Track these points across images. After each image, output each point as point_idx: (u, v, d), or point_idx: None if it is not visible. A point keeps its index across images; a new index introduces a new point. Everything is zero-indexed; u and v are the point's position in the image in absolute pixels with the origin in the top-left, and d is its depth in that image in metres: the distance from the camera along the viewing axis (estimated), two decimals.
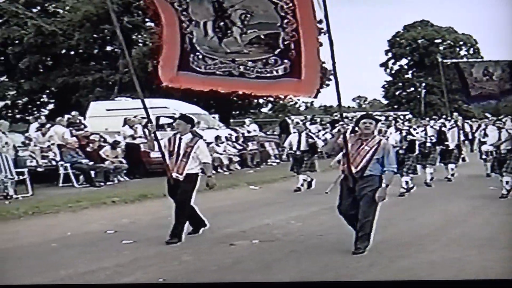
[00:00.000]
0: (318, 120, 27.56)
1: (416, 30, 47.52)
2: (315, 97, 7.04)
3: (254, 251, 7.15)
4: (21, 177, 12.44)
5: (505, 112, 23.51)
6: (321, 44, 6.63)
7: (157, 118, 19.80)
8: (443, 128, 14.52)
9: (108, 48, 33.73)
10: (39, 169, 13.75)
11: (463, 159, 15.98)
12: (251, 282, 5.72)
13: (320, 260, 6.48)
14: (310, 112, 36.43)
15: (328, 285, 5.62)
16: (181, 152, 7.62)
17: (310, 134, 13.84)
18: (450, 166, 14.41)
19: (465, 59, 29.84)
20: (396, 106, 47.17)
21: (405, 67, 49.32)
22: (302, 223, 8.89)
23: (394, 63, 49.46)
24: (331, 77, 31.26)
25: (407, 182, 11.97)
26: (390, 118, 23.35)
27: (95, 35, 31.67)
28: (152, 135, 7.88)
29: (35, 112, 32.33)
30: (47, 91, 34.72)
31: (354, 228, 6.76)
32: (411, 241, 7.49)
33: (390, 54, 48.87)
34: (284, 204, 11.12)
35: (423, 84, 44.54)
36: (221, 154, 17.92)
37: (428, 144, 13.55)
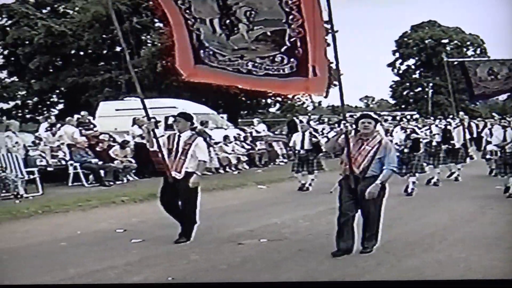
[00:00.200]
0: (326, 120, 27.53)
1: (424, 30, 47.47)
2: (326, 96, 7.04)
3: (262, 250, 7.15)
4: (31, 177, 12.52)
5: None
6: (328, 44, 6.61)
7: (166, 118, 19.90)
8: (449, 127, 14.40)
9: (117, 49, 33.85)
10: (49, 169, 13.79)
11: (471, 157, 15.90)
12: (259, 282, 5.72)
13: (328, 259, 6.48)
14: (318, 112, 36.37)
15: (336, 285, 5.64)
16: (180, 150, 7.51)
17: (313, 133, 13.71)
18: (457, 166, 14.33)
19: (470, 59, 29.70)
20: (403, 106, 47.15)
21: (413, 67, 49.36)
22: (310, 222, 8.90)
23: (401, 63, 49.55)
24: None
25: (414, 183, 11.88)
26: (398, 118, 23.26)
27: (104, 36, 31.80)
28: (151, 132, 7.69)
29: (45, 112, 32.56)
30: (57, 91, 34.92)
31: (352, 229, 6.65)
32: (418, 240, 7.49)
33: (397, 54, 48.94)
34: (292, 204, 11.14)
35: (431, 84, 44.47)
36: (229, 153, 17.96)
37: (434, 143, 13.50)
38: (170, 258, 6.76)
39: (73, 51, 32.47)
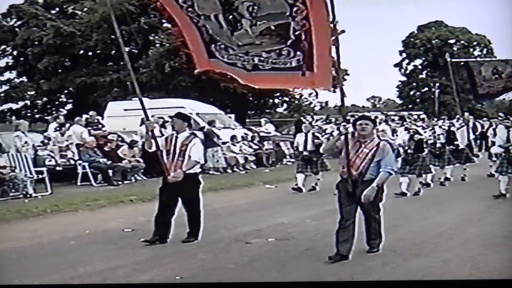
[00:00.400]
0: (333, 119, 27.52)
1: (430, 30, 47.41)
2: (334, 91, 6.97)
3: (270, 250, 7.17)
4: (40, 176, 12.60)
5: None
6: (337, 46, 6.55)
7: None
8: (452, 128, 14.31)
9: (126, 49, 33.98)
10: (58, 168, 13.89)
11: (476, 155, 15.83)
12: (267, 282, 5.73)
13: None
14: (325, 112, 36.37)
15: (343, 285, 5.65)
16: (177, 151, 7.43)
17: (316, 134, 13.61)
18: (464, 166, 14.24)
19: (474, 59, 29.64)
20: (410, 106, 47.13)
21: (419, 67, 49.35)
22: (317, 221, 8.90)
23: (408, 63, 49.60)
24: (346, 77, 31.37)
25: (421, 182, 11.91)
26: (405, 117, 23.22)
27: (112, 36, 31.87)
28: (150, 133, 7.61)
29: (54, 112, 32.65)
30: (66, 91, 35.08)
31: (352, 234, 6.49)
32: (426, 240, 7.49)
33: (404, 55, 48.98)
34: (299, 203, 11.15)
35: (437, 84, 44.35)
36: (237, 153, 18.00)
37: (438, 145, 13.40)
38: (178, 257, 6.79)
39: (81, 52, 32.65)
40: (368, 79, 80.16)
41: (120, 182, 13.94)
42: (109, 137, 15.47)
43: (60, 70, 33.26)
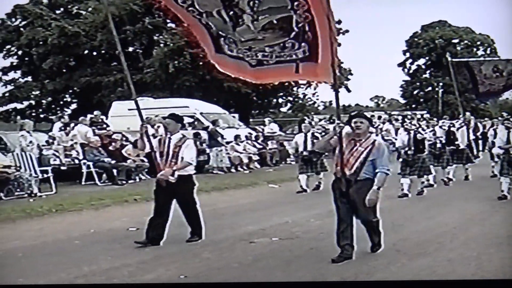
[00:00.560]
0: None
1: (434, 30, 47.48)
2: (330, 82, 6.83)
3: (274, 249, 7.17)
4: (45, 175, 12.68)
5: None
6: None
7: None
8: (452, 128, 14.17)
9: (130, 49, 34.04)
10: (62, 168, 13.96)
11: (477, 156, 15.77)
12: (273, 282, 5.73)
13: None
14: (328, 112, 36.38)
15: (346, 285, 5.65)
16: (170, 152, 7.34)
17: (316, 134, 13.47)
18: (465, 166, 14.17)
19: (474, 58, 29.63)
20: (414, 106, 47.15)
21: (423, 67, 49.44)
22: (321, 221, 8.87)
23: (412, 63, 49.69)
24: (350, 76, 31.07)
25: (422, 183, 11.76)
26: (407, 117, 23.18)
27: None
28: (144, 135, 7.54)
29: (59, 112, 32.71)
30: (70, 91, 35.18)
31: (351, 235, 6.39)
32: (430, 239, 7.48)
33: (408, 54, 49.06)
34: (303, 202, 11.16)
35: (441, 84, 44.33)
36: (241, 153, 18.02)
37: (438, 145, 13.29)
38: (182, 256, 6.80)
39: (86, 52, 32.73)
40: (372, 78, 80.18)
41: (124, 182, 13.98)
42: (114, 136, 15.51)
43: (64, 70, 33.37)
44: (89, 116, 16.27)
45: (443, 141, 13.57)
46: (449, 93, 43.41)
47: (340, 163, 6.33)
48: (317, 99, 37.05)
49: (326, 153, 12.62)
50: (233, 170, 17.31)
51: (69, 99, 36.83)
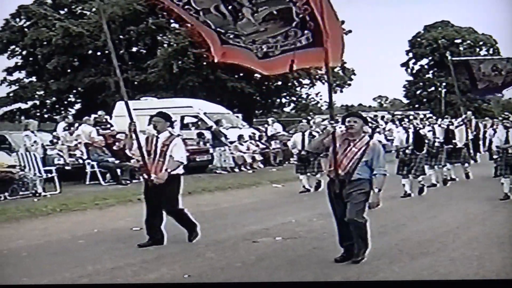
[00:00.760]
0: (340, 119, 27.49)
1: (437, 30, 47.46)
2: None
3: (277, 248, 7.19)
4: (49, 175, 12.72)
5: None
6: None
7: (182, 118, 20.07)
8: (451, 127, 14.05)
9: (134, 49, 34.14)
10: (66, 167, 14.01)
11: (475, 160, 15.75)
12: (276, 282, 5.73)
13: None
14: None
15: (349, 285, 5.65)
16: (158, 151, 7.21)
17: (313, 133, 13.50)
18: (463, 166, 14.10)
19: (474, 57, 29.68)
20: (417, 106, 47.16)
21: (426, 67, 49.48)
22: (324, 220, 8.85)
23: (415, 63, 49.73)
24: (353, 76, 30.97)
25: (420, 182, 11.61)
26: (411, 117, 23.12)
27: (121, 36, 32.08)
28: (133, 134, 7.37)
29: (63, 112, 32.89)
30: (74, 91, 35.31)
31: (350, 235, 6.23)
32: (432, 238, 7.49)
33: (411, 54, 49.07)
34: (306, 202, 11.17)
35: (443, 84, 44.31)
36: (244, 152, 18.05)
37: (436, 144, 13.15)
38: (186, 255, 6.81)
39: (90, 52, 32.86)
40: (375, 78, 79.97)
41: (128, 181, 14.01)
42: (118, 136, 15.54)
43: (68, 70, 33.49)
44: (93, 116, 16.34)
45: (441, 140, 13.43)
46: (452, 93, 43.34)
47: (333, 163, 6.16)
48: (320, 99, 37.05)
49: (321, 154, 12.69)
50: (236, 170, 17.34)
51: (73, 99, 36.96)
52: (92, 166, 14.09)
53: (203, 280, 5.87)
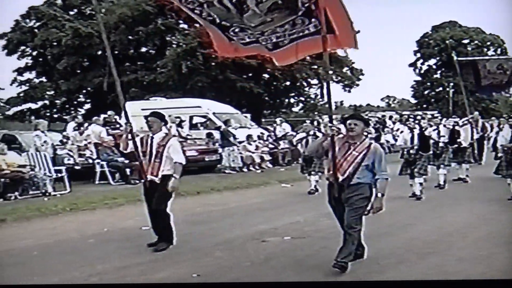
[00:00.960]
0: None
1: (444, 30, 47.44)
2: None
3: (285, 248, 7.21)
4: (59, 175, 12.81)
5: None
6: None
7: (191, 118, 20.14)
8: (456, 127, 13.94)
9: (143, 49, 34.25)
10: (76, 167, 14.06)
11: (479, 162, 15.67)
12: (284, 282, 5.74)
13: None
14: (340, 112, 36.36)
15: (357, 285, 5.66)
16: (154, 152, 7.06)
17: (317, 134, 13.44)
18: (464, 166, 14.01)
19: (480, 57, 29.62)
20: (425, 106, 47.09)
21: (434, 67, 49.37)
22: (332, 220, 8.81)
23: (422, 63, 49.67)
24: (361, 76, 30.89)
25: (421, 184, 11.28)
26: (418, 117, 23.07)
27: (130, 37, 32.22)
28: (129, 135, 7.24)
29: (73, 112, 33.07)
30: (84, 91, 35.50)
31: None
32: (439, 238, 7.50)
33: (419, 55, 49.04)
34: (314, 201, 11.14)
35: (451, 84, 44.15)
36: (252, 152, 18.08)
37: (440, 144, 13.05)
38: (194, 255, 6.84)
39: (99, 52, 32.98)
40: (383, 78, 79.71)
41: (137, 181, 14.01)
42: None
43: (78, 71, 33.67)
44: (102, 116, 16.41)
45: (446, 140, 13.29)
46: (460, 93, 43.06)
47: (332, 167, 5.98)
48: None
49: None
50: (245, 169, 17.36)
51: (83, 99, 37.15)
52: (102, 166, 14.15)
53: (212, 279, 5.89)
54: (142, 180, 7.40)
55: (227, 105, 23.01)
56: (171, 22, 30.06)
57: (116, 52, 32.76)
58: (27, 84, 36.71)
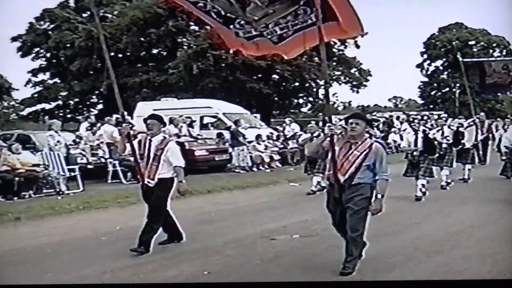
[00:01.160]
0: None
1: (451, 32, 47.30)
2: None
3: (294, 246, 7.27)
4: (72, 174, 12.96)
5: None
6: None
7: (201, 118, 20.26)
8: (461, 129, 13.74)
9: (155, 51, 34.42)
10: (89, 166, 14.18)
11: (482, 163, 15.60)
12: (292, 282, 5.77)
13: None
14: (348, 112, 36.36)
15: (365, 284, 5.71)
16: (151, 155, 6.96)
17: (321, 135, 13.31)
18: (467, 166, 13.91)
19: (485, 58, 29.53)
20: (431, 106, 46.95)
21: (440, 68, 49.17)
22: None
23: (429, 64, 49.51)
24: (369, 77, 30.88)
25: (423, 185, 11.15)
26: (425, 118, 23.00)
27: (142, 39, 32.40)
28: (127, 137, 7.23)
29: (85, 112, 33.27)
30: (97, 92, 35.65)
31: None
32: (446, 237, 7.53)
33: (425, 56, 48.88)
34: (322, 200, 11.09)
35: (458, 85, 43.99)
36: (262, 152, 18.17)
37: (444, 145, 12.90)
38: (205, 253, 6.91)
39: (112, 54, 33.21)
40: (390, 79, 79.39)
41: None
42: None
43: (91, 72, 33.86)
44: (115, 116, 16.50)
45: (450, 141, 13.13)
46: (466, 94, 43.00)
47: (333, 167, 5.87)
48: (337, 100, 37.06)
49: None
50: (254, 169, 17.43)
51: (95, 100, 37.34)
52: (114, 165, 14.24)
53: (222, 277, 5.94)
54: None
55: (237, 106, 23.09)
56: (182, 24, 30.16)
57: (128, 53, 33.04)
58: (41, 85, 36.98)
